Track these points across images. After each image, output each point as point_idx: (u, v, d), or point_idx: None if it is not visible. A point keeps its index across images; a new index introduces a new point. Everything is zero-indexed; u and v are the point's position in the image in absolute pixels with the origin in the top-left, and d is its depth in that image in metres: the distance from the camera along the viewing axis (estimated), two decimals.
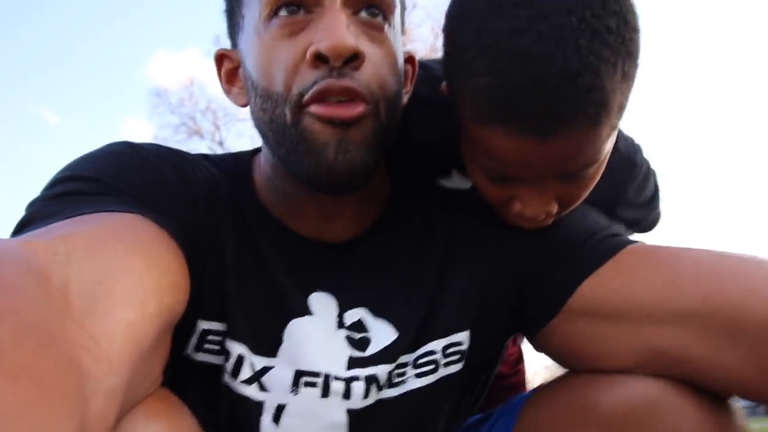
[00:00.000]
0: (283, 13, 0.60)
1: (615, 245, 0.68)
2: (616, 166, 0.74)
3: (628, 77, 0.57)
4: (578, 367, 0.70)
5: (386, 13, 0.63)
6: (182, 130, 11.90)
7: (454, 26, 0.62)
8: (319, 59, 0.57)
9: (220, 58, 0.71)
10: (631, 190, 0.80)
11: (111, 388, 0.41)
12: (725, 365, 0.59)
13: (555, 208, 0.65)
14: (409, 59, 0.72)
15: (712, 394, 0.61)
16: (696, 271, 0.63)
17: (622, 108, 0.59)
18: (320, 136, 0.58)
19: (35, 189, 0.59)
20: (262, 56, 0.62)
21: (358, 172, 0.60)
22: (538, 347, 0.74)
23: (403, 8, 0.72)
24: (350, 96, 0.58)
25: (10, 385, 0.31)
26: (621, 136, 0.79)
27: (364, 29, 0.61)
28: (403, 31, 0.72)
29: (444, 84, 0.68)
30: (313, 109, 0.58)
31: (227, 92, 0.71)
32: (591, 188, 0.66)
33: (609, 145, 0.62)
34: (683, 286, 0.62)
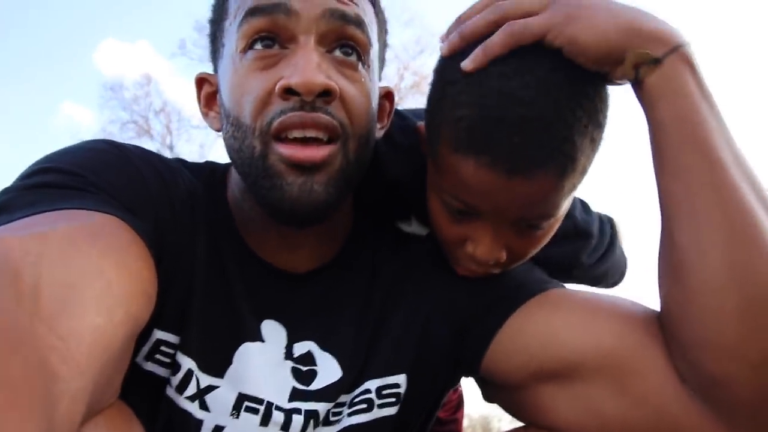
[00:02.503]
0: (258, 46, 0.61)
1: (542, 287, 0.71)
2: (571, 235, 0.77)
3: (594, 144, 0.62)
4: (524, 418, 0.72)
5: (361, 53, 0.64)
6: (131, 128, 11.59)
7: (445, 65, 0.65)
8: (289, 93, 0.58)
9: (201, 81, 0.72)
10: (584, 257, 0.83)
11: (78, 389, 0.41)
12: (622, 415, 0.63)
13: (503, 257, 0.67)
14: (387, 95, 0.74)
15: None
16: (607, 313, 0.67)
17: (584, 171, 0.63)
18: (286, 176, 0.59)
19: None
20: (235, 87, 0.62)
21: (321, 209, 0.61)
22: (488, 397, 0.76)
23: (384, 45, 0.74)
24: (320, 129, 0.59)
25: None
26: (580, 208, 0.83)
27: (338, 67, 0.62)
28: (381, 68, 0.74)
29: (421, 123, 0.71)
30: (280, 148, 0.59)
31: (204, 115, 0.72)
32: (539, 245, 0.69)
33: (566, 206, 0.66)
34: (597, 324, 0.65)
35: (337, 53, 0.63)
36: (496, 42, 0.58)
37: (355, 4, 0.64)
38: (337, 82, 0.60)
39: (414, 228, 0.80)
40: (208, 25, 0.72)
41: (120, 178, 0.59)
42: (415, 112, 0.80)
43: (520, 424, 0.74)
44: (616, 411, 0.63)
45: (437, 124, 0.63)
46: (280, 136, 0.59)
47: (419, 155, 0.73)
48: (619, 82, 0.60)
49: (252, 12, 0.61)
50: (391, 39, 0.77)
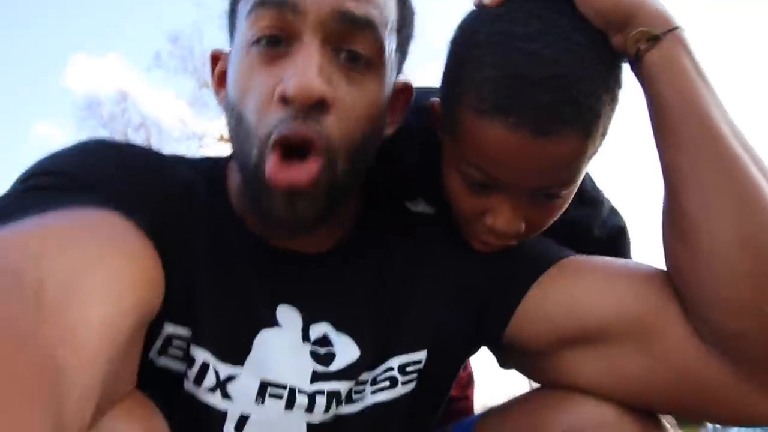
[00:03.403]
0: (263, 42, 0.61)
1: (560, 254, 0.73)
2: (578, 201, 0.79)
3: (613, 103, 0.64)
4: (544, 381, 0.74)
5: (371, 56, 0.62)
6: None
7: (464, 31, 0.66)
8: (285, 101, 0.58)
9: (215, 58, 0.72)
10: (596, 227, 0.85)
11: (88, 381, 0.41)
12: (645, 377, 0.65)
13: (522, 228, 0.68)
14: (404, 89, 0.72)
15: (645, 413, 0.67)
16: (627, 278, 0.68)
17: (605, 132, 0.65)
18: (274, 194, 0.59)
19: None
20: (240, 80, 0.62)
21: (308, 225, 0.61)
22: (505, 364, 0.78)
23: (407, 38, 0.72)
24: (310, 146, 0.58)
25: None
26: (589, 178, 0.85)
27: (343, 69, 0.60)
28: (402, 60, 0.72)
29: (434, 100, 0.72)
30: (268, 166, 0.58)
31: (216, 93, 0.71)
32: (556, 215, 0.70)
33: (584, 171, 0.67)
34: (618, 288, 0.67)
35: (344, 56, 0.60)
36: None
37: (369, 2, 0.61)
38: (339, 88, 0.59)
39: (421, 207, 0.81)
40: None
41: (115, 175, 0.59)
42: (423, 90, 0.79)
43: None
44: (639, 371, 0.65)
45: (459, 92, 0.64)
46: (274, 144, 0.58)
47: (429, 136, 0.73)
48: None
49: (260, 4, 0.60)
50: None
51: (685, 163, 0.60)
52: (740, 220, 0.57)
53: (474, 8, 0.67)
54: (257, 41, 0.60)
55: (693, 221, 0.59)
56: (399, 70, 0.71)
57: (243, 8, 0.63)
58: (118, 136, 11.30)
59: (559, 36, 0.59)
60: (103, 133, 11.76)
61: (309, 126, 0.57)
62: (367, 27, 0.61)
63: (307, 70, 0.56)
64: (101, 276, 0.45)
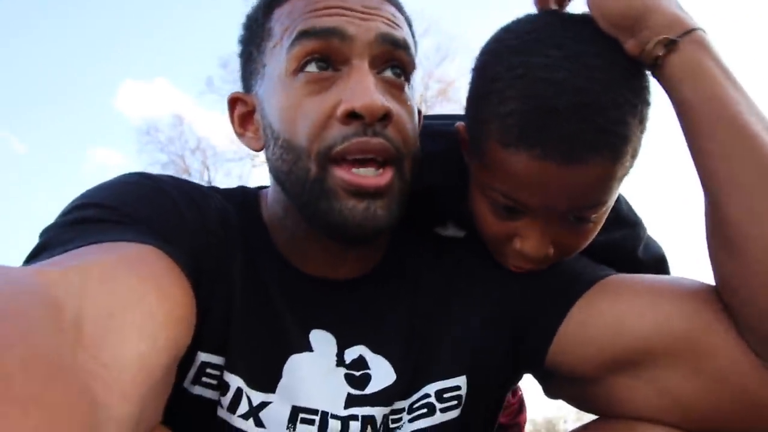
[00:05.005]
0: (310, 68, 0.62)
1: (599, 274, 0.71)
2: (614, 223, 0.76)
3: (643, 124, 0.62)
4: (594, 410, 0.71)
5: (407, 73, 0.66)
6: (170, 168, 11.95)
7: (486, 61, 0.66)
8: (351, 116, 0.59)
9: (234, 101, 0.73)
10: (640, 250, 0.81)
11: (123, 416, 0.42)
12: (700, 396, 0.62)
13: (552, 252, 0.67)
14: (417, 113, 0.74)
15: None
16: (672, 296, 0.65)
17: (635, 154, 0.63)
18: (346, 200, 0.60)
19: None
20: (287, 109, 0.63)
21: (382, 231, 0.62)
22: (552, 393, 0.75)
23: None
24: (382, 155, 0.61)
25: (21, 413, 0.32)
26: (624, 200, 0.82)
27: (388, 89, 0.64)
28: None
29: (459, 124, 0.72)
30: (339, 173, 0.60)
31: (240, 135, 0.73)
32: (588, 239, 0.69)
33: (616, 193, 0.65)
34: (663, 307, 0.64)
35: (388, 73, 0.64)
36: None
37: (401, 27, 0.66)
38: (391, 102, 0.62)
39: (451, 231, 0.80)
40: (239, 46, 0.73)
41: (154, 209, 0.61)
42: (432, 117, 0.80)
43: (588, 420, 0.72)
44: (695, 393, 0.61)
45: (483, 122, 0.63)
46: (337, 158, 0.60)
47: (452, 159, 0.73)
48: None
49: (305, 34, 0.62)
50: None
51: (722, 170, 0.57)
52: None
53: (495, 33, 0.67)
54: (303, 68, 0.62)
55: (738, 229, 0.56)
56: None
57: (278, 44, 0.65)
58: (176, 159, 11.78)
59: (580, 63, 0.58)
60: (161, 157, 12.31)
61: (378, 138, 0.60)
62: (405, 47, 0.65)
63: (367, 87, 0.60)
64: (138, 314, 0.47)
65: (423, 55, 11.40)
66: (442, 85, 11.49)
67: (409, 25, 0.71)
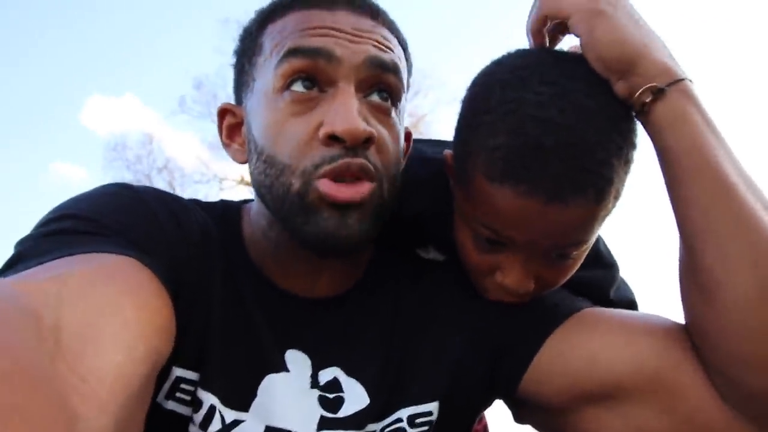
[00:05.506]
0: (296, 87, 0.62)
1: (576, 306, 0.72)
2: (592, 262, 0.78)
3: (628, 165, 0.63)
4: None
5: (394, 98, 0.66)
6: None
7: (477, 93, 0.66)
8: (332, 139, 0.60)
9: (224, 112, 0.72)
10: (612, 291, 0.83)
11: (100, 428, 0.41)
12: None
13: (532, 287, 0.68)
14: (406, 135, 0.75)
15: None
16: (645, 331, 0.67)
17: (618, 195, 0.64)
18: (322, 212, 0.60)
19: None
20: (271, 126, 0.63)
21: (354, 243, 0.62)
22: (521, 419, 0.76)
23: (407, 89, 0.75)
24: (362, 176, 0.61)
25: (2, 424, 0.31)
26: (603, 242, 0.84)
27: (373, 112, 0.64)
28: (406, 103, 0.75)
29: (447, 152, 0.72)
30: (323, 187, 0.60)
31: (226, 146, 0.72)
32: (568, 275, 0.70)
33: (597, 232, 0.67)
34: (637, 343, 0.66)
35: (374, 97, 0.64)
36: (532, 18, 0.66)
37: (392, 50, 0.66)
38: (374, 127, 0.62)
39: (432, 254, 0.81)
40: (233, 56, 0.73)
41: (134, 220, 0.60)
42: (427, 143, 0.81)
43: None
44: (662, 430, 0.63)
45: (470, 154, 0.64)
46: (319, 176, 0.60)
47: (440, 186, 0.73)
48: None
49: (293, 52, 0.62)
50: None
51: (699, 218, 0.59)
52: (760, 272, 0.55)
53: (487, 65, 0.68)
54: (289, 86, 0.62)
55: (711, 275, 0.58)
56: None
57: (268, 60, 0.65)
58: (142, 178, 11.55)
59: (570, 102, 0.59)
60: (127, 175, 12.06)
61: (359, 159, 0.60)
62: (394, 71, 0.65)
63: (349, 112, 0.60)
64: (116, 324, 0.47)
65: None
66: (413, 119, 11.73)
67: (404, 48, 0.71)
